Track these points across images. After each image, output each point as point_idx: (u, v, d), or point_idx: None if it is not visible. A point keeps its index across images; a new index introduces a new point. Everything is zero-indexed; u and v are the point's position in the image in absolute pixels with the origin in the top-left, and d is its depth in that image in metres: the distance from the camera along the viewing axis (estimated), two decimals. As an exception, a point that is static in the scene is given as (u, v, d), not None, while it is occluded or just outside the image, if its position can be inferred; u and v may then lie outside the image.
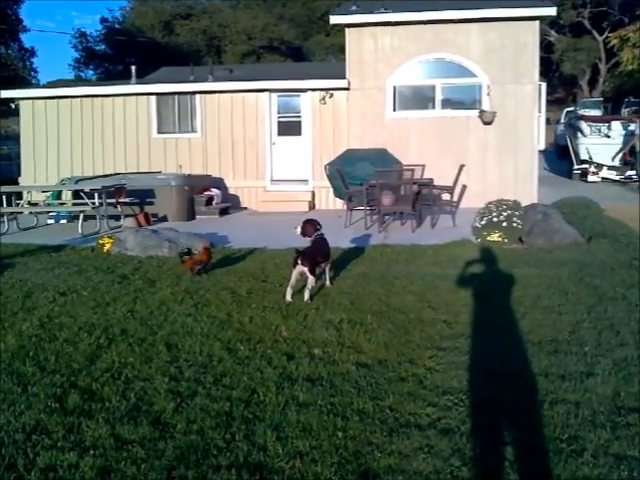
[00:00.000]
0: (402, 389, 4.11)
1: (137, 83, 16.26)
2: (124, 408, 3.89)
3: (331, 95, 14.70)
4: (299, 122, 15.16)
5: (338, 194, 13.77)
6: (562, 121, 26.08)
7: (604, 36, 38.35)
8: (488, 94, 13.94)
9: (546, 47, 36.31)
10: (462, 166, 11.88)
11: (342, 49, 15.96)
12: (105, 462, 3.27)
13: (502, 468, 3.17)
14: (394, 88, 14.40)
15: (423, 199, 11.66)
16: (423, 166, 12.97)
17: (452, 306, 6.04)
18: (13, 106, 16.20)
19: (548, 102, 18.11)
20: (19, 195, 13.38)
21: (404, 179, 12.08)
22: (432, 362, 4.59)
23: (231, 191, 15.17)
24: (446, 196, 12.07)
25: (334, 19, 14.68)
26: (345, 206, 12.38)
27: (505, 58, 13.81)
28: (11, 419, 3.77)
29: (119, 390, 4.16)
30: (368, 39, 14.33)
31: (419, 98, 14.63)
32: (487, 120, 13.88)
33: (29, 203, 13.75)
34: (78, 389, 4.19)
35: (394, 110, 14.44)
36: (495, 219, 9.50)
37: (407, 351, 4.83)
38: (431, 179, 12.11)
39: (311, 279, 6.42)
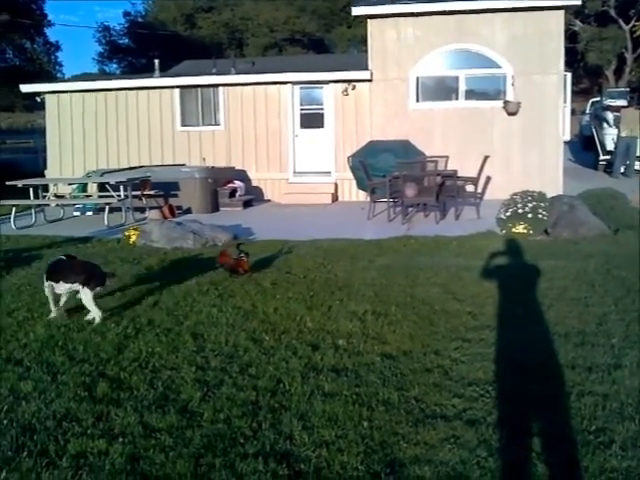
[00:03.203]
0: (427, 380, 4.11)
1: (160, 76, 16.34)
2: (152, 397, 3.94)
3: (353, 87, 14.65)
4: (322, 114, 15.14)
5: (361, 186, 13.75)
6: (587, 112, 25.71)
7: (630, 25, 37.71)
8: (512, 85, 13.81)
9: (571, 37, 35.76)
10: (486, 157, 11.79)
11: (364, 41, 15.90)
12: (134, 449, 3.32)
13: (529, 459, 3.16)
14: (417, 79, 14.31)
15: (447, 190, 11.60)
16: (447, 157, 12.90)
17: (477, 298, 6.01)
18: (39, 100, 16.37)
19: (573, 93, 17.85)
20: (45, 188, 13.53)
21: (427, 170, 12.03)
22: (457, 353, 4.58)
23: (254, 183, 15.22)
24: (470, 187, 11.99)
25: (356, 10, 14.59)
26: (368, 198, 12.37)
27: (530, 48, 13.64)
28: (42, 407, 3.83)
29: (147, 379, 4.21)
30: (391, 30, 14.25)
31: (443, 89, 14.53)
32: (511, 111, 13.75)
33: (55, 195, 13.92)
34: (107, 378, 4.25)
35: (417, 101, 14.36)
36: (520, 210, 9.42)
37: (432, 342, 4.83)
38: (455, 170, 12.04)
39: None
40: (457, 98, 14.29)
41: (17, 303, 6.13)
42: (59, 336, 5.14)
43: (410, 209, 11.66)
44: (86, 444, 3.37)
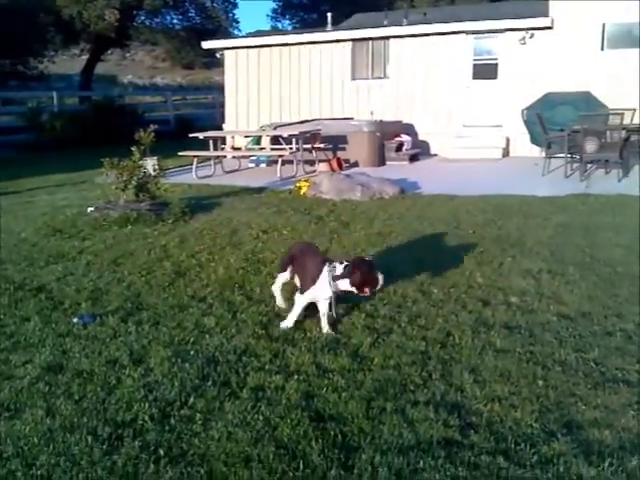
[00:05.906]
0: (608, 343, 3.89)
1: (333, 30, 16.45)
2: (324, 339, 4.08)
3: (531, 35, 13.87)
4: (495, 64, 14.52)
5: (535, 140, 13.09)
6: None
7: None
8: None
9: None
10: (681, 110, 10.73)
11: (545, -15, 14.88)
12: (308, 387, 3.45)
13: None
14: (603, 26, 13.24)
15: (632, 146, 10.73)
16: (633, 110, 11.89)
17: (666, 261, 5.54)
18: (218, 56, 17.19)
19: None
20: (223, 140, 14.26)
21: (611, 124, 11.18)
22: (643, 318, 4.28)
23: (421, 137, 15.01)
24: (659, 143, 11.00)
25: (539, -48, 13.71)
26: (543, 153, 11.76)
27: None
28: (224, 341, 4.10)
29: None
30: (576, -28, 13.23)
31: (631, 36, 13.31)
32: None
33: (232, 148, 14.63)
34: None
35: (602, 49, 13.31)
36: None
37: (614, 305, 4.54)
38: (643, 124, 11.09)
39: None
40: (648, 45, 13.06)
41: (200, 246, 6.56)
42: (237, 278, 5.45)
43: (590, 165, 10.93)
44: (264, 378, 3.56)
